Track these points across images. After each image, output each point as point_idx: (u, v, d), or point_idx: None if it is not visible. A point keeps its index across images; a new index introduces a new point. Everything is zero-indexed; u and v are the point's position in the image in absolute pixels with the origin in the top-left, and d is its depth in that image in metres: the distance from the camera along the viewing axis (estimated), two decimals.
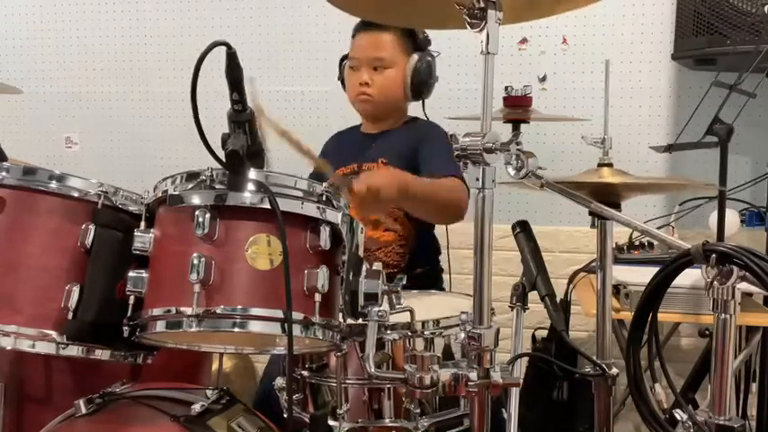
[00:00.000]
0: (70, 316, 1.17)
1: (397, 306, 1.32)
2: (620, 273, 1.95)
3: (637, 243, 2.24)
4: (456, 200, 1.78)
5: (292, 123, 2.81)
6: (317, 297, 1.14)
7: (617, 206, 1.42)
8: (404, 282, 1.33)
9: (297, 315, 1.12)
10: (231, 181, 1.12)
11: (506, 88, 2.05)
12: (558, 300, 1.43)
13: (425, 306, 1.57)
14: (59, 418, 1.29)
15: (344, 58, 2.12)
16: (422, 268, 2.05)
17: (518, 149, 1.12)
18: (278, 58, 2.91)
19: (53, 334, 1.18)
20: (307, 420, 1.41)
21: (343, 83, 2.13)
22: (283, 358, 1.51)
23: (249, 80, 1.15)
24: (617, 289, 1.95)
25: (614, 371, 1.38)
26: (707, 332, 2.17)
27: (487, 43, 1.12)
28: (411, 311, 1.37)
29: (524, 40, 2.70)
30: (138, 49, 3.03)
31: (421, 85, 2.03)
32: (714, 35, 2.18)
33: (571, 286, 2.22)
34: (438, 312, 1.43)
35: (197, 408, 1.25)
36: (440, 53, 2.08)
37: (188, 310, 1.09)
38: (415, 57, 2.01)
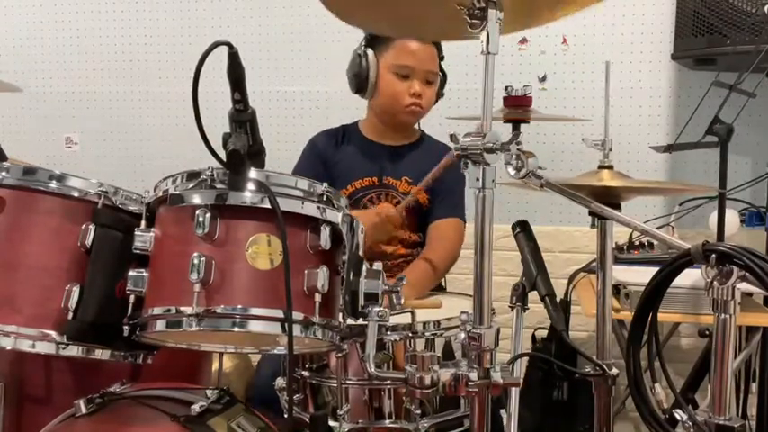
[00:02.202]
0: (70, 316, 1.17)
1: (398, 306, 1.32)
2: (620, 273, 1.95)
3: (637, 243, 2.24)
4: (450, 256, 1.97)
5: (292, 123, 2.90)
6: (317, 297, 1.14)
7: (617, 206, 1.42)
8: (404, 282, 1.33)
9: (297, 315, 1.12)
10: (232, 180, 1.12)
11: (506, 88, 2.05)
12: (558, 300, 1.43)
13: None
14: (59, 418, 1.29)
15: (367, 44, 1.93)
16: None
17: (518, 149, 1.12)
18: (278, 58, 2.90)
19: (53, 334, 1.18)
20: (307, 420, 1.41)
21: (360, 78, 1.94)
22: (283, 358, 1.51)
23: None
24: (617, 289, 1.95)
25: (614, 371, 1.37)
26: (707, 332, 2.17)
27: (487, 43, 1.12)
28: (412, 312, 1.37)
29: (524, 40, 2.70)
30: (138, 49, 3.03)
31: (439, 97, 2.03)
32: (714, 35, 2.18)
33: (571, 286, 2.22)
34: (438, 313, 1.43)
35: (197, 408, 1.25)
36: None
37: (188, 310, 1.09)
38: (440, 72, 2.00)
